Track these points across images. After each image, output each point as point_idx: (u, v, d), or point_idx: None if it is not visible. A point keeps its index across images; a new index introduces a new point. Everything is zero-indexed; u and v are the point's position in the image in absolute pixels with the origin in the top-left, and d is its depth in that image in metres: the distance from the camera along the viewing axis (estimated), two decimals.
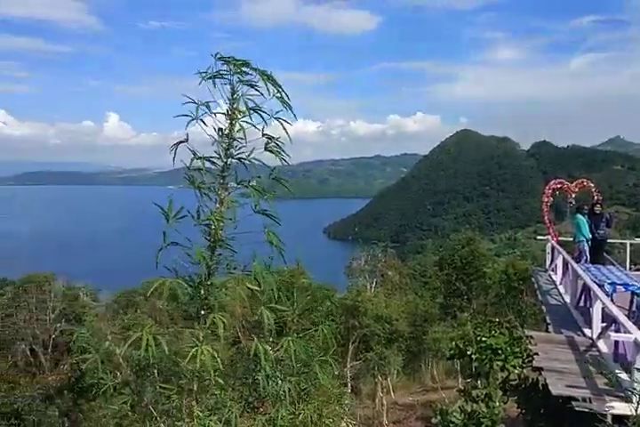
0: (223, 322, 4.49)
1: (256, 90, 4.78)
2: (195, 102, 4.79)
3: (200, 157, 4.85)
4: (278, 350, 4.91)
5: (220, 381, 4.78)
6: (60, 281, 33.31)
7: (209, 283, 4.90)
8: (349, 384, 25.96)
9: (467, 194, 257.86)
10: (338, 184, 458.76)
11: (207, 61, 4.67)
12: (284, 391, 5.02)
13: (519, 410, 10.43)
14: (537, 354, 10.05)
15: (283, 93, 4.85)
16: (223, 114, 4.90)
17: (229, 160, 4.93)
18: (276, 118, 4.85)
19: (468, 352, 12.01)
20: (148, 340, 4.57)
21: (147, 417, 5.36)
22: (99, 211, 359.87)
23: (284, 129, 4.86)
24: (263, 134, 4.91)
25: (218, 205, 4.91)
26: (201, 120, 4.85)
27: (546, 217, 22.00)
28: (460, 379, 26.82)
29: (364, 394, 29.06)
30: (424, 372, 33.24)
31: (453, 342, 13.64)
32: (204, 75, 4.70)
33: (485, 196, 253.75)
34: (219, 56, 4.71)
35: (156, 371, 5.29)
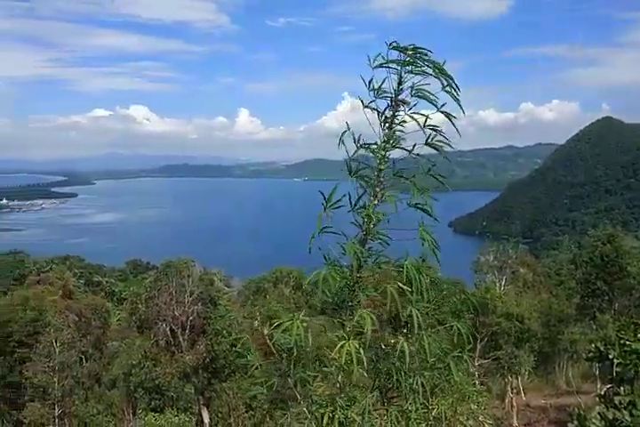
0: (371, 318, 4.43)
1: (435, 76, 4.54)
2: (369, 88, 4.65)
3: (364, 145, 4.74)
4: (413, 343, 4.79)
5: (365, 374, 4.76)
6: (197, 267, 35.30)
7: (358, 275, 4.84)
8: (477, 383, 25.22)
9: (609, 187, 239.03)
10: (465, 176, 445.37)
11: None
12: (417, 385, 4.93)
13: None
14: None
15: (453, 86, 4.58)
16: (389, 100, 4.71)
17: (388, 153, 4.77)
18: (442, 112, 4.59)
19: (610, 356, 11.09)
20: (298, 327, 4.64)
21: (289, 400, 5.50)
22: (233, 202, 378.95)
23: (453, 123, 4.59)
24: (427, 126, 4.65)
25: (372, 198, 4.81)
26: (372, 109, 4.70)
27: None
28: (598, 384, 25.08)
29: (492, 394, 28.09)
30: (558, 374, 31.49)
31: (593, 345, 12.67)
32: (375, 63, 4.53)
33: (630, 189, 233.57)
34: (393, 45, 4.51)
35: (301, 357, 5.39)
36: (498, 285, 33.94)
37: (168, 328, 27.99)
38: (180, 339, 27.94)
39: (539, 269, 43.84)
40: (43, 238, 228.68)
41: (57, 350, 26.16)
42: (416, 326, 4.56)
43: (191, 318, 28.47)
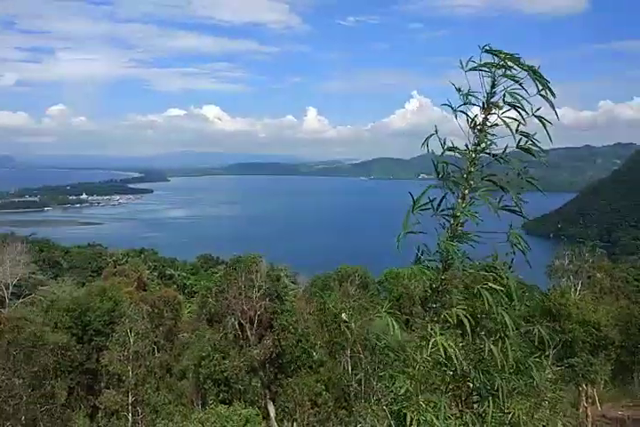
0: (467, 317, 4.36)
1: (520, 85, 4.49)
2: (459, 91, 4.63)
3: (451, 148, 4.71)
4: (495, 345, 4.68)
5: (446, 376, 4.70)
6: (264, 262, 35.87)
7: (443, 277, 4.79)
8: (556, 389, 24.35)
9: None
10: (539, 177, 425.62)
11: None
12: (494, 388, 4.80)
13: None
14: None
15: (548, 91, 4.50)
16: (479, 103, 4.68)
17: (478, 155, 4.72)
18: (537, 117, 4.52)
19: None
20: (389, 322, 4.63)
21: (355, 398, 5.54)
22: (300, 200, 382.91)
23: (545, 129, 4.52)
24: (518, 131, 4.60)
25: (460, 200, 4.76)
26: (462, 112, 4.68)
27: None
28: None
29: (565, 402, 27.07)
30: (637, 385, 29.97)
31: None
32: (470, 65, 4.51)
33: None
34: (486, 48, 4.49)
35: (387, 354, 5.38)
36: (573, 290, 32.72)
37: (237, 322, 28.59)
38: (248, 333, 28.47)
39: (616, 274, 42.04)
40: (120, 232, 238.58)
41: (132, 340, 27.12)
42: (510, 328, 4.47)
43: (259, 312, 28.97)
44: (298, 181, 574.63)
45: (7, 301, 41.68)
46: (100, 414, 28.99)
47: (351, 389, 25.25)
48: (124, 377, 27.09)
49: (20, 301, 42.60)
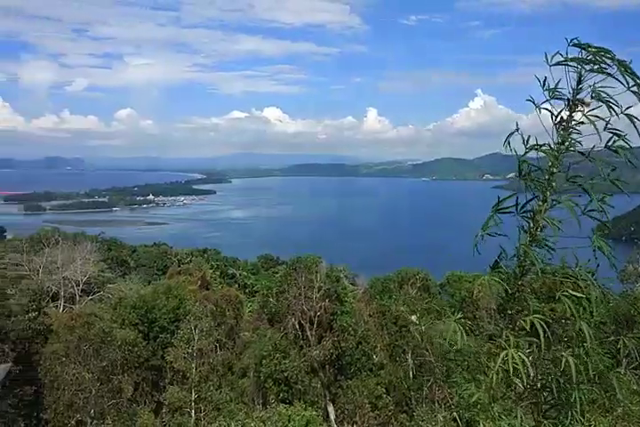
0: (543, 327, 4.10)
1: (618, 80, 4.23)
2: (543, 87, 4.39)
3: (534, 147, 4.46)
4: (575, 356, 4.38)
5: (522, 385, 4.45)
6: (324, 263, 35.83)
7: (520, 283, 4.52)
8: None
9: None
10: (614, 176, 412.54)
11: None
12: (574, 399, 4.50)
13: None
14: None
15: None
16: (566, 102, 4.43)
17: (561, 155, 4.46)
18: (627, 115, 4.25)
19: None
20: (456, 329, 4.51)
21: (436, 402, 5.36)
22: (360, 201, 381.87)
23: (635, 127, 4.24)
24: (607, 129, 4.34)
25: (541, 203, 4.50)
26: (540, 109, 4.44)
27: None
28: None
29: None
30: None
31: None
32: (559, 60, 4.27)
33: None
34: (574, 42, 4.27)
35: (456, 360, 5.20)
36: None
37: (297, 322, 28.67)
38: (308, 333, 28.50)
39: None
40: (184, 232, 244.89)
41: (196, 337, 27.66)
42: (588, 338, 4.16)
43: (319, 313, 28.97)
44: (358, 182, 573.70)
45: (77, 297, 43.40)
46: (164, 410, 29.69)
47: (413, 393, 24.93)
48: (187, 374, 27.65)
49: (90, 298, 44.22)
